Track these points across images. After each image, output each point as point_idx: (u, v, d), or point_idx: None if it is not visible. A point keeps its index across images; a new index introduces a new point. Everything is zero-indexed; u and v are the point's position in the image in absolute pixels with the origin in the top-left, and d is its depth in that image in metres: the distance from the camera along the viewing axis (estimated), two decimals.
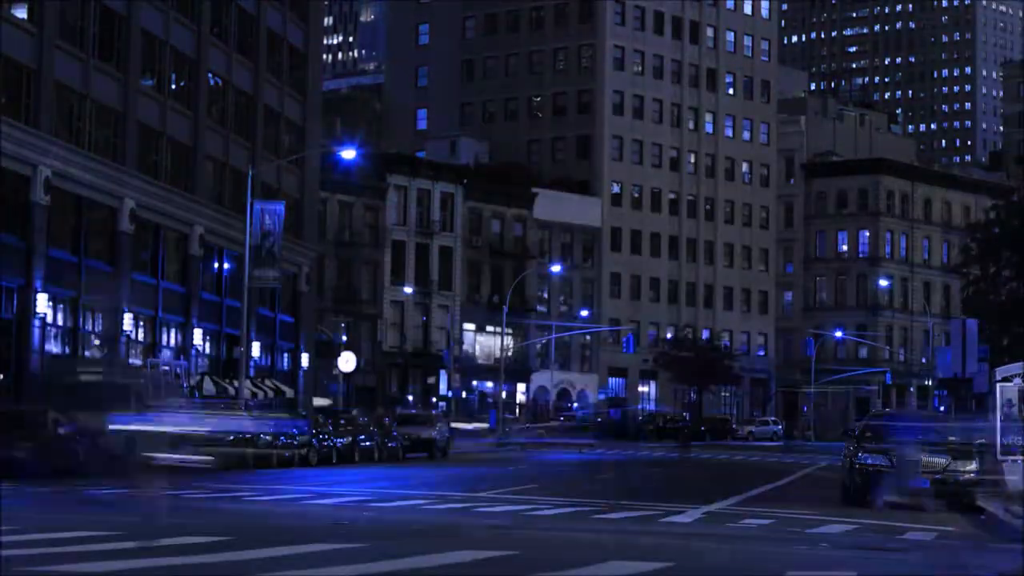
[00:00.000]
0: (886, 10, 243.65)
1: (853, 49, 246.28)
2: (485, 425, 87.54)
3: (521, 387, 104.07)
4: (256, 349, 64.09)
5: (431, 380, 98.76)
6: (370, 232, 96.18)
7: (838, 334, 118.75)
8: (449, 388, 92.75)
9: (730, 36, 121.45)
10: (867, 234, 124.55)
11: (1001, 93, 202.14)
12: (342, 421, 53.22)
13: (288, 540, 15.36)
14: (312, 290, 76.34)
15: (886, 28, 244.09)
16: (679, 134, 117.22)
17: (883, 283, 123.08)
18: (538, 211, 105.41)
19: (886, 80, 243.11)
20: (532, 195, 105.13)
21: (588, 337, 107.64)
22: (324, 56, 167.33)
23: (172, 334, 59.75)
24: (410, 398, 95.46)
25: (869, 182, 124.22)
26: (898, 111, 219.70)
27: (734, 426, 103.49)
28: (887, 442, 27.78)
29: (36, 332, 48.16)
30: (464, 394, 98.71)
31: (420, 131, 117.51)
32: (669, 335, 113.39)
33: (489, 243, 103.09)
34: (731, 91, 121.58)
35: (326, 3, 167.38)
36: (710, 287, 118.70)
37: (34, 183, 47.89)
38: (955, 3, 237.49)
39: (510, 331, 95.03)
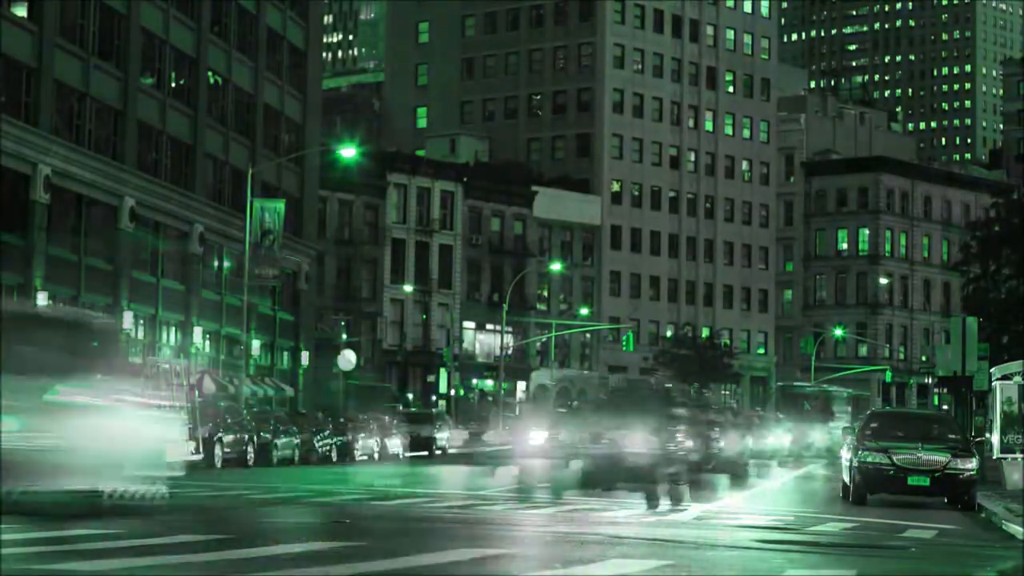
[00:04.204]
0: (886, 8, 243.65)
1: (853, 47, 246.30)
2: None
3: (521, 385, 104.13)
4: (256, 347, 64.14)
5: (431, 378, 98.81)
6: (370, 230, 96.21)
7: (838, 332, 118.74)
8: (449, 386, 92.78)
9: (730, 34, 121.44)
10: (867, 232, 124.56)
11: (1001, 91, 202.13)
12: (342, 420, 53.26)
13: (288, 538, 15.37)
14: (312, 288, 76.37)
15: (886, 26, 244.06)
16: (679, 132, 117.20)
17: (883, 281, 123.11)
18: (538, 209, 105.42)
19: (886, 78, 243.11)
20: (532, 193, 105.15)
21: (588, 335, 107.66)
22: (324, 54, 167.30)
23: (172, 332, 59.79)
24: (410, 396, 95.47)
25: (869, 180, 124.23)
26: (898, 109, 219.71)
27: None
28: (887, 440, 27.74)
29: None
30: (463, 392, 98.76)
31: (420, 129, 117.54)
32: (669, 333, 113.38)
33: (489, 241, 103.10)
34: (731, 89, 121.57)
35: (326, 1, 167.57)
36: (710, 285, 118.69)
37: (34, 181, 47.92)
38: (955, 1, 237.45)
39: (510, 329, 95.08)
